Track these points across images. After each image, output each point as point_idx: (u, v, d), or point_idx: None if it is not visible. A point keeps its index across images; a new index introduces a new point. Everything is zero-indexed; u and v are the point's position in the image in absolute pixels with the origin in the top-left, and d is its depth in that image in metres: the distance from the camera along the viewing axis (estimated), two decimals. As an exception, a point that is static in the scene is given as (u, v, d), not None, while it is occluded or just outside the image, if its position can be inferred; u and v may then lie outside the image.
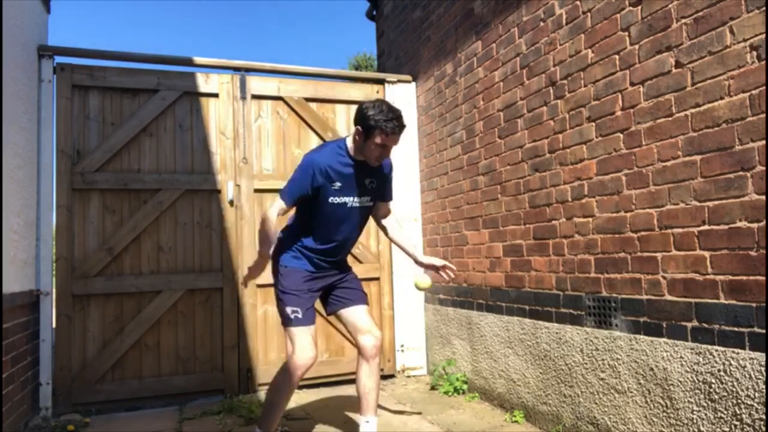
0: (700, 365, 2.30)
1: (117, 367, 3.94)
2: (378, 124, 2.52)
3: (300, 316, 2.65)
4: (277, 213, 2.64)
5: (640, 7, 2.61)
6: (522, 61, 3.48)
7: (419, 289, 2.91)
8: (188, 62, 4.28)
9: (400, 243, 2.97)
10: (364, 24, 6.08)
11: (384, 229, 2.99)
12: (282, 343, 4.13)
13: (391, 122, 2.54)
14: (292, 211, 2.83)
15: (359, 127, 2.59)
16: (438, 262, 2.81)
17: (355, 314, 2.78)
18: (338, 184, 2.64)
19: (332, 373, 4.34)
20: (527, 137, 3.42)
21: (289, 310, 2.66)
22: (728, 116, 2.21)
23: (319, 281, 2.77)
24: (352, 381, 3.41)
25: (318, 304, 2.85)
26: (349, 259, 4.47)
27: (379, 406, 3.78)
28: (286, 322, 2.68)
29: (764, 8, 2.07)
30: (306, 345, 2.64)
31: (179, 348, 4.09)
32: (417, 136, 4.89)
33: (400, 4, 5.29)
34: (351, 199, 2.69)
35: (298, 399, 4.05)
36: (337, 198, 2.65)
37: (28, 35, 3.64)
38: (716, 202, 2.25)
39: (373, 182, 2.76)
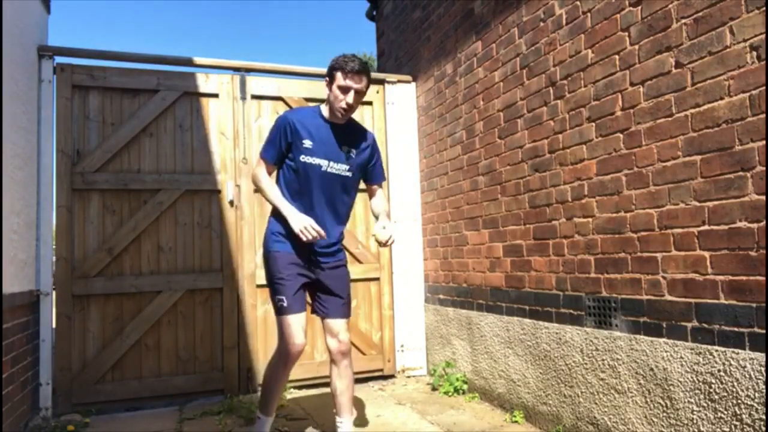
0: (700, 365, 2.30)
1: (117, 368, 3.94)
2: (338, 64, 2.59)
3: (285, 304, 2.62)
4: (261, 168, 2.72)
5: (640, 8, 2.61)
6: (522, 62, 3.48)
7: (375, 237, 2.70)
8: (188, 62, 4.28)
9: (373, 209, 2.89)
10: (364, 24, 6.08)
11: (372, 210, 2.91)
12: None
13: (352, 62, 2.58)
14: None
15: (327, 79, 2.67)
16: (383, 237, 2.62)
17: (330, 323, 2.76)
18: (308, 142, 2.63)
19: (332, 374, 4.33)
20: (527, 137, 3.42)
21: (276, 298, 2.66)
22: (728, 116, 2.21)
23: (305, 268, 2.70)
24: (352, 381, 3.42)
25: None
26: (349, 259, 4.51)
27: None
28: (275, 310, 2.70)
29: (764, 8, 2.07)
30: (292, 333, 2.61)
31: (179, 348, 4.09)
32: (417, 136, 4.89)
33: (400, 4, 5.29)
34: (326, 162, 2.66)
35: (299, 399, 4.05)
36: (309, 158, 2.63)
37: (28, 35, 3.64)
38: (716, 202, 2.25)
39: (352, 152, 2.73)
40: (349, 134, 2.74)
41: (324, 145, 2.66)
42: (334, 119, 2.70)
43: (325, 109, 2.73)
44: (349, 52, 2.71)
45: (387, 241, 2.62)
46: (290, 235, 2.63)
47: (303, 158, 2.63)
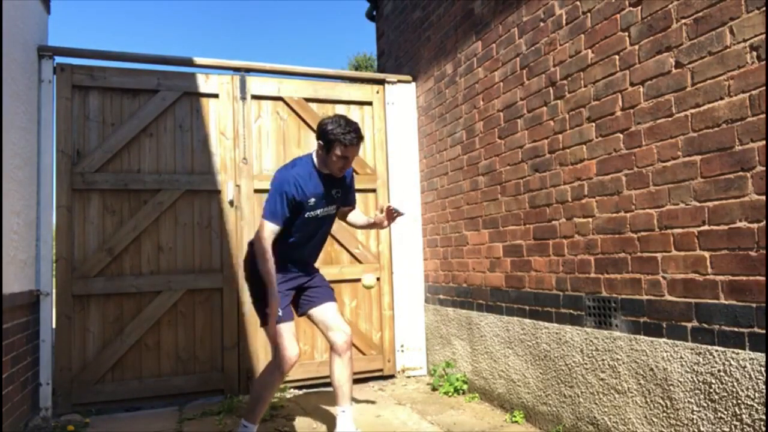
0: (700, 365, 2.30)
1: (117, 368, 3.94)
2: (337, 137, 2.74)
3: (280, 314, 2.83)
4: (271, 236, 2.80)
5: (640, 8, 2.61)
6: (522, 62, 3.48)
7: (365, 287, 3.21)
8: (188, 62, 4.28)
9: (361, 223, 3.25)
10: (364, 24, 6.07)
11: (349, 223, 3.26)
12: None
13: (349, 134, 2.74)
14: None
15: (320, 142, 2.81)
16: (385, 212, 3.08)
17: (323, 312, 2.96)
18: (312, 200, 2.85)
19: (332, 374, 4.33)
20: (527, 137, 3.42)
21: (269, 310, 2.82)
22: (728, 116, 2.21)
23: (292, 281, 2.96)
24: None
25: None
26: (349, 259, 4.53)
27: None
28: (266, 321, 2.85)
29: (764, 8, 2.07)
30: (290, 342, 2.84)
31: (179, 348, 4.09)
32: (417, 136, 4.89)
33: (400, 4, 5.29)
34: (321, 210, 2.91)
35: (298, 399, 4.05)
36: (311, 212, 2.87)
37: (28, 35, 3.64)
38: (716, 203, 2.25)
39: (339, 192, 2.98)
40: (337, 178, 2.96)
41: (322, 197, 2.90)
42: (324, 170, 2.89)
43: (316, 160, 2.90)
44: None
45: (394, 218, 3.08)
46: (280, 262, 2.85)
47: (308, 214, 2.86)
